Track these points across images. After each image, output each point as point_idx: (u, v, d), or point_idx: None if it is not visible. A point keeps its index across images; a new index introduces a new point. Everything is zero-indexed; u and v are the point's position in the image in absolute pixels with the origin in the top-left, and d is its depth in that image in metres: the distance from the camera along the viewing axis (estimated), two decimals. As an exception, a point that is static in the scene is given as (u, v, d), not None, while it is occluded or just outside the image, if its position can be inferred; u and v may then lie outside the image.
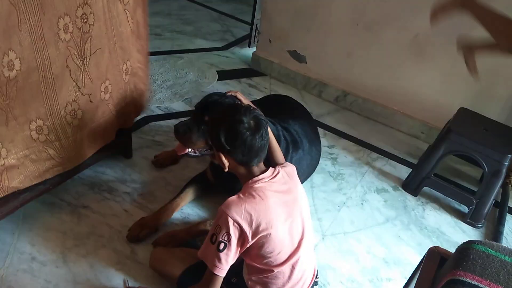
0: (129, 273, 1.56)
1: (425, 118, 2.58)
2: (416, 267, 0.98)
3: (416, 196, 2.18)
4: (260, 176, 1.27)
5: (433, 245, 1.90)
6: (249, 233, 1.18)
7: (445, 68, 2.39)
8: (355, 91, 2.77)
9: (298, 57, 2.91)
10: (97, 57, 1.59)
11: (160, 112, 2.48)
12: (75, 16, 1.44)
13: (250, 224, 1.17)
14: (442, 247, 1.90)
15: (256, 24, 3.22)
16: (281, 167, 1.35)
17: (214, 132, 1.26)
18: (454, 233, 2.00)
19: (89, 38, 1.53)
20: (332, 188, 2.15)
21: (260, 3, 3.02)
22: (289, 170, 1.37)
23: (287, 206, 1.27)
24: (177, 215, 1.82)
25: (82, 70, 1.56)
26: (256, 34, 3.20)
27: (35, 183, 1.59)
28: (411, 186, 2.20)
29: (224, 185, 1.83)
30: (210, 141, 1.32)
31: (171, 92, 2.67)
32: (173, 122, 2.41)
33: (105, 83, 1.69)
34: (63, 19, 1.40)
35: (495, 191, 2.02)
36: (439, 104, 2.48)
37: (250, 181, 1.26)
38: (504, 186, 2.28)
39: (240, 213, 1.17)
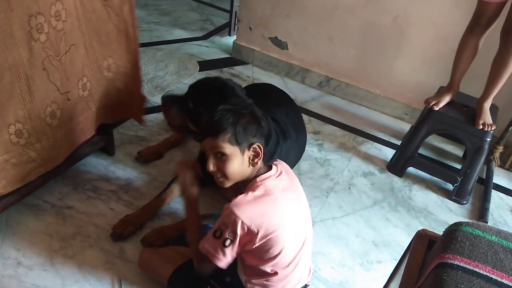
0: (119, 272, 1.54)
1: (408, 100, 2.60)
2: (405, 251, 0.98)
3: (401, 177, 2.20)
4: (268, 174, 1.20)
5: (421, 225, 1.93)
6: (257, 236, 1.12)
7: (425, 48, 2.40)
8: (338, 76, 2.76)
9: (280, 44, 2.88)
10: (72, 54, 1.54)
11: (141, 107, 2.43)
12: (49, 15, 1.39)
13: (260, 226, 1.11)
14: (430, 228, 1.94)
15: (236, 12, 3.18)
16: (279, 164, 1.27)
17: (251, 117, 1.19)
18: (441, 212, 2.03)
19: (64, 35, 1.48)
20: (319, 174, 2.15)
21: (238, -10, 2.97)
22: (286, 167, 1.30)
23: (294, 205, 1.22)
24: (164, 210, 1.80)
25: (60, 70, 1.51)
26: (236, 22, 3.15)
27: (17, 187, 1.55)
28: (396, 167, 2.22)
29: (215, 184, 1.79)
30: (241, 135, 1.16)
31: (151, 86, 2.62)
32: (155, 116, 2.37)
33: (82, 80, 1.64)
34: (36, 18, 1.35)
35: (478, 167, 2.05)
36: (421, 85, 2.49)
37: (258, 178, 1.18)
38: (488, 162, 2.32)
39: (250, 215, 1.10)
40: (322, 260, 1.71)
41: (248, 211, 1.11)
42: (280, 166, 1.26)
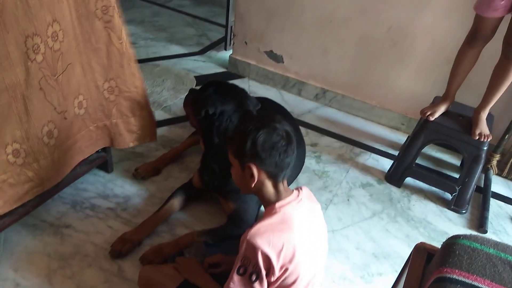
0: (118, 291, 1.53)
1: (404, 110, 2.61)
2: (404, 264, 0.98)
3: (399, 188, 2.20)
4: (288, 199, 1.17)
5: (420, 236, 1.93)
6: (276, 265, 1.09)
7: (419, 58, 2.42)
8: (334, 87, 2.78)
9: (275, 57, 2.90)
10: (68, 73, 1.55)
11: (139, 123, 2.43)
12: (46, 36, 1.40)
13: (278, 255, 1.08)
14: (429, 238, 1.93)
15: (231, 27, 3.21)
16: (301, 190, 1.24)
17: (251, 138, 1.13)
18: (440, 222, 2.03)
19: (61, 55, 1.49)
20: (317, 186, 2.15)
21: (233, 5, 3.00)
22: (308, 193, 1.27)
23: (313, 233, 1.20)
24: (163, 227, 1.79)
25: (57, 89, 1.52)
26: (232, 36, 3.18)
27: (15, 207, 1.54)
28: (394, 177, 2.22)
29: (218, 189, 1.79)
30: (239, 151, 1.16)
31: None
32: (153, 132, 2.37)
33: (78, 98, 1.64)
34: (32, 39, 1.36)
35: (476, 176, 2.05)
36: (416, 95, 2.51)
37: (277, 204, 1.16)
38: (486, 171, 2.32)
39: (268, 243, 1.08)
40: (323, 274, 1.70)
41: (265, 239, 1.08)
42: (302, 192, 1.24)
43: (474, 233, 1.97)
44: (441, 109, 2.08)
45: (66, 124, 1.63)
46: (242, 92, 1.81)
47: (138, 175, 2.02)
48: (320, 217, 1.28)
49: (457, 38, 2.23)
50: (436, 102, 2.14)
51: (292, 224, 1.13)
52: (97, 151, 1.89)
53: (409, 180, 2.22)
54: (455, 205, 2.10)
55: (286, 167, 1.17)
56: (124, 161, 2.13)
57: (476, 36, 1.88)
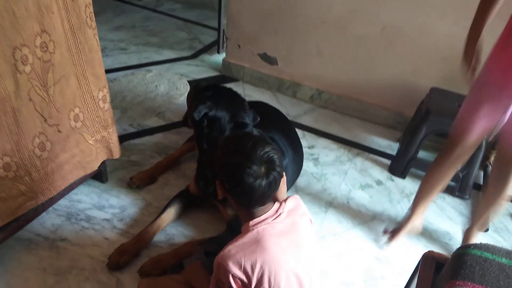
0: (117, 305, 1.49)
1: (400, 108, 2.59)
2: (412, 273, 0.96)
3: (404, 179, 2.22)
4: (262, 217, 1.15)
5: (422, 236, 1.91)
6: (251, 284, 1.09)
7: (414, 57, 2.40)
8: (329, 88, 2.76)
9: (269, 60, 2.87)
10: (62, 85, 1.51)
11: (133, 130, 2.40)
12: (34, 46, 1.36)
13: (251, 276, 1.08)
14: (431, 239, 1.91)
15: (223, 30, 3.17)
16: (285, 202, 1.21)
17: (218, 166, 1.15)
18: (441, 222, 2.01)
19: (51, 67, 1.45)
20: (316, 189, 2.13)
21: (225, 8, 2.97)
22: (291, 205, 1.22)
23: (293, 249, 1.16)
24: (160, 237, 1.76)
25: (47, 101, 1.48)
26: (224, 39, 3.15)
27: (7, 222, 1.50)
28: (398, 169, 2.24)
29: (215, 196, 1.74)
30: (215, 169, 1.18)
31: (142, 108, 2.59)
32: (147, 139, 2.34)
33: (73, 111, 1.61)
34: (20, 50, 1.32)
35: (478, 162, 2.08)
36: (412, 94, 2.49)
37: (251, 222, 1.14)
38: (485, 168, 2.31)
39: (239, 266, 1.08)
40: (325, 278, 1.68)
41: (236, 262, 1.08)
42: (285, 205, 1.20)
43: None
44: (404, 231, 1.83)
45: (61, 137, 1.59)
46: (240, 103, 1.76)
47: (133, 184, 1.98)
48: (302, 234, 1.22)
49: (451, 36, 2.22)
50: (401, 224, 1.86)
51: (265, 243, 1.10)
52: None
53: (407, 180, 2.21)
54: (460, 191, 2.14)
55: (258, 199, 1.13)
56: (118, 170, 2.09)
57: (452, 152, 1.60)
